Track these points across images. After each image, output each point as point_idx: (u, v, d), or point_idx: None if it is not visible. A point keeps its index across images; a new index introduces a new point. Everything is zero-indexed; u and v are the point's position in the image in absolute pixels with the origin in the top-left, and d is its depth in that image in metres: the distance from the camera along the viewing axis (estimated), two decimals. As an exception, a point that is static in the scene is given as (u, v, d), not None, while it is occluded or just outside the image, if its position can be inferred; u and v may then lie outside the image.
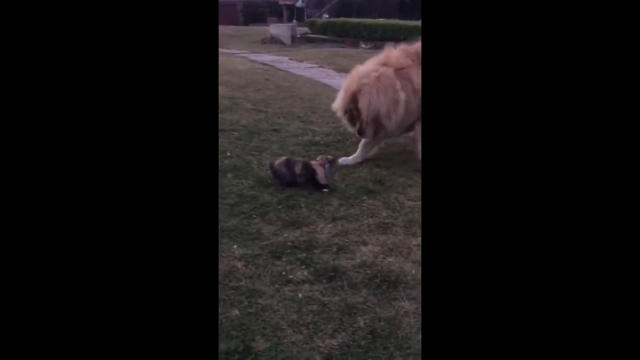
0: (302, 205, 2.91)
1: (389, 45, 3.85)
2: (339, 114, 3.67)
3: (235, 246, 2.39)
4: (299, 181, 3.11)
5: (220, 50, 7.97)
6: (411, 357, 1.71)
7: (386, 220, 2.75)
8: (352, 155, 3.76)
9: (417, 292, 2.06)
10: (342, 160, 3.66)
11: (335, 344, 1.76)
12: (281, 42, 13.14)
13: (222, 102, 5.08)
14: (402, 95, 3.46)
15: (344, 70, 8.38)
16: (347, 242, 2.50)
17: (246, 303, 1.96)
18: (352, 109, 3.52)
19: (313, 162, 3.16)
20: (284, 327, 1.83)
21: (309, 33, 14.36)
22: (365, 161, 3.72)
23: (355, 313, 1.93)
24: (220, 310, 1.87)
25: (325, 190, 3.11)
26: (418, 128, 3.65)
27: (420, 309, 1.95)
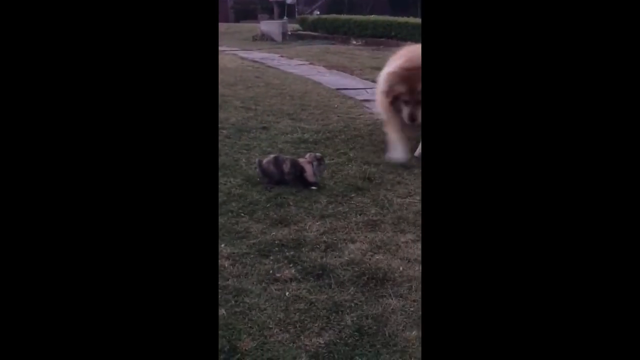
0: (291, 203, 2.90)
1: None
2: (382, 98, 3.46)
3: (222, 245, 2.38)
4: (287, 179, 3.10)
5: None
6: (398, 354, 1.71)
7: (375, 218, 2.75)
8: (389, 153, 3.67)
9: (404, 289, 2.07)
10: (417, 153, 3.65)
11: (322, 342, 1.75)
12: (272, 39, 13.10)
13: (212, 100, 5.05)
14: None
15: (335, 67, 8.43)
16: (335, 239, 2.49)
17: (233, 302, 1.95)
18: (404, 93, 3.35)
19: (301, 160, 3.15)
20: (270, 326, 1.83)
21: (299, 30, 14.35)
22: (353, 158, 3.72)
23: (342, 311, 1.92)
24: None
25: (314, 188, 3.10)
26: None
27: (407, 306, 1.96)
